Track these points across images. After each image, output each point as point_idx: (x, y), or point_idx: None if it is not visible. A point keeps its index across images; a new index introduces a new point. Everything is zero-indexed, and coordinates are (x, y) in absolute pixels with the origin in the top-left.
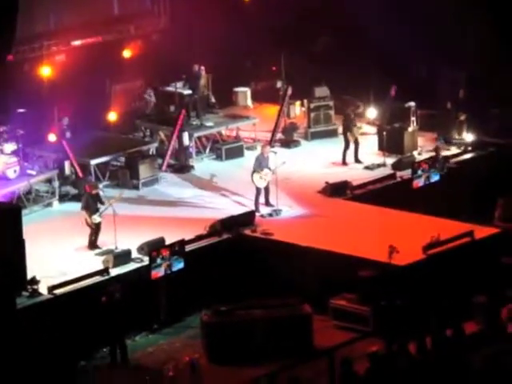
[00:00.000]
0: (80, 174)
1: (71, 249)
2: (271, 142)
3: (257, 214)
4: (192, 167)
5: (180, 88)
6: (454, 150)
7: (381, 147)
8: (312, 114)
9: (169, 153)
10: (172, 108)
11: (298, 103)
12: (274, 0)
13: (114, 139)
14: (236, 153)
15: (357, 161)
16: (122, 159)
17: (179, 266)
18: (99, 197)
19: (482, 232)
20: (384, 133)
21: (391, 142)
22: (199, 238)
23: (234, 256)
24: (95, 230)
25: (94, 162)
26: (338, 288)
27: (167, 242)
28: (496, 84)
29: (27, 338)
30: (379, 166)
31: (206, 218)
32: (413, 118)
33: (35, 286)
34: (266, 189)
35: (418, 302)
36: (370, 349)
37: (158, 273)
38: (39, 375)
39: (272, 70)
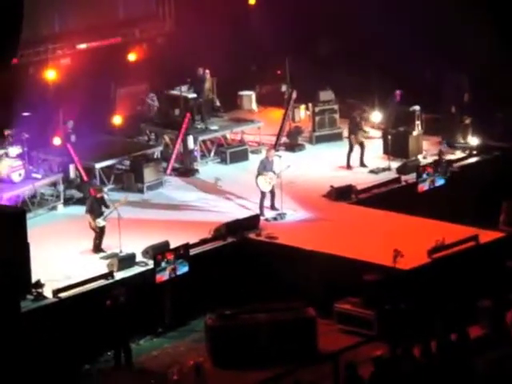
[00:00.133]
0: (85, 178)
1: (76, 252)
2: (276, 146)
3: (261, 218)
4: (197, 171)
5: (185, 91)
6: (458, 154)
7: (386, 151)
8: (317, 118)
9: (173, 156)
10: (177, 111)
11: (302, 107)
12: (278, 4)
13: (119, 143)
14: (241, 156)
15: (362, 165)
16: (127, 163)
17: (184, 269)
18: (104, 200)
19: (486, 236)
20: (389, 137)
21: (396, 146)
22: (204, 241)
23: (239, 260)
24: (99, 233)
25: (98, 165)
26: (343, 292)
27: (172, 246)
28: (500, 88)
29: (32, 342)
30: (384, 169)
31: (211, 222)
32: (418, 122)
33: (40, 290)
34: (272, 192)
35: (423, 306)
36: (374, 353)
37: (163, 276)
38: (44, 378)
39: (277, 73)
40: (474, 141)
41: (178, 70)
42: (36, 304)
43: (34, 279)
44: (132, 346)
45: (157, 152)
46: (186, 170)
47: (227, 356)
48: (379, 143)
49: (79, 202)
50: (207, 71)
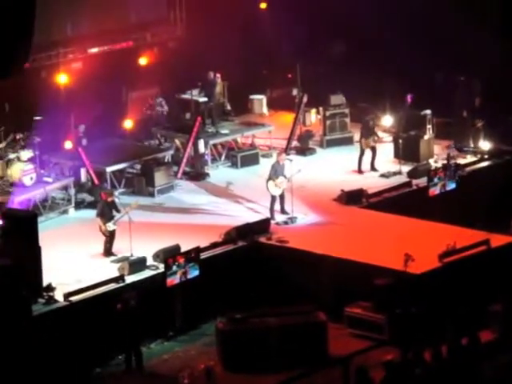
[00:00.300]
0: (96, 182)
1: (87, 256)
2: (287, 150)
3: (272, 222)
4: (207, 175)
5: (196, 95)
6: (469, 159)
7: (397, 155)
8: (328, 122)
9: (184, 160)
10: (188, 115)
11: (313, 111)
12: (289, 8)
13: (130, 147)
14: (251, 160)
15: (373, 169)
16: (138, 166)
17: (194, 273)
18: (115, 204)
19: (498, 240)
20: (400, 141)
21: (407, 150)
22: (214, 245)
23: (249, 263)
24: (109, 237)
25: (109, 169)
26: (354, 296)
27: (182, 250)
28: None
29: (43, 345)
30: (395, 173)
31: (222, 226)
32: (429, 126)
33: (51, 293)
34: (282, 196)
35: (434, 310)
36: (385, 357)
37: (174, 280)
38: (55, 382)
39: (288, 77)
40: (485, 145)
41: (189, 74)
42: (47, 307)
43: (45, 283)
44: (143, 350)
45: (168, 156)
46: (196, 174)
47: (238, 360)
48: (390, 147)
49: (90, 205)
50: (218, 75)
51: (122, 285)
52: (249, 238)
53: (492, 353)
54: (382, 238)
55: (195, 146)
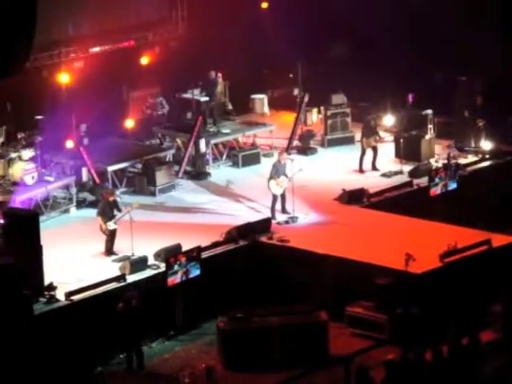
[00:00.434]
0: (97, 181)
1: (88, 255)
2: (288, 149)
3: (273, 221)
4: (208, 174)
5: (197, 95)
6: (470, 158)
7: (398, 155)
8: (329, 121)
9: (185, 159)
10: (189, 115)
11: (314, 110)
12: (290, 8)
13: (131, 146)
14: (252, 160)
15: (374, 168)
16: (139, 166)
17: (196, 272)
18: (117, 204)
19: (499, 240)
20: (401, 140)
21: (408, 150)
22: (215, 244)
23: (250, 263)
24: (110, 236)
25: (111, 168)
26: (355, 295)
27: (184, 249)
28: None
29: (44, 344)
30: (396, 173)
31: (223, 225)
32: (430, 126)
33: (52, 292)
34: (283, 196)
35: (435, 310)
36: (386, 357)
37: (175, 279)
38: (56, 381)
39: (289, 77)
40: (486, 145)
41: (191, 74)
42: (49, 307)
43: (46, 282)
44: (144, 349)
45: (169, 155)
46: (197, 174)
47: (239, 359)
48: (391, 147)
49: (92, 204)
50: (219, 74)
51: (123, 284)
52: (250, 237)
53: (493, 353)
54: (383, 238)
55: (196, 145)
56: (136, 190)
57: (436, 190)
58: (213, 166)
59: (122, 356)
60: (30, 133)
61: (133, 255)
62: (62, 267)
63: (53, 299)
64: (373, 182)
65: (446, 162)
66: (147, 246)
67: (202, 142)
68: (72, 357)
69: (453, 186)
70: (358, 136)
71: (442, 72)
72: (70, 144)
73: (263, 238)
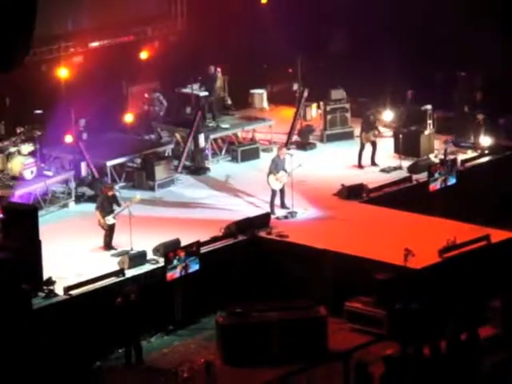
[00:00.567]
0: (96, 175)
1: (87, 250)
2: (287, 144)
3: (272, 216)
4: (208, 169)
5: (196, 90)
6: (470, 154)
7: (397, 150)
8: (328, 117)
9: (184, 154)
10: (188, 110)
11: (314, 105)
12: (290, 3)
13: (130, 141)
14: (252, 155)
15: (373, 163)
16: (138, 161)
17: (195, 267)
18: (116, 198)
19: (498, 236)
20: (400, 136)
21: (407, 145)
22: (214, 239)
23: (249, 258)
24: (109, 231)
25: (110, 163)
26: (354, 291)
27: (182, 244)
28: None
29: (43, 339)
30: (395, 168)
31: (222, 220)
32: (429, 121)
33: (51, 287)
34: (282, 191)
35: (434, 305)
36: (385, 352)
37: (174, 274)
38: (55, 375)
39: (288, 72)
40: (486, 140)
41: (190, 68)
42: (47, 301)
43: (45, 276)
44: (142, 344)
45: (168, 150)
46: (196, 168)
47: (238, 354)
48: (390, 142)
49: (90, 199)
50: (219, 69)
51: (122, 279)
52: (249, 232)
53: (492, 348)
54: (382, 233)
55: (195, 140)
56: (135, 184)
57: (435, 186)
58: (212, 160)
59: (120, 351)
60: (29, 127)
61: (132, 250)
62: (60, 262)
63: (51, 294)
64: (372, 177)
65: (442, 157)
66: (146, 241)
67: (201, 137)
68: (71, 351)
69: (452, 181)
70: (357, 131)
71: (441, 67)
72: (69, 139)
73: (262, 233)
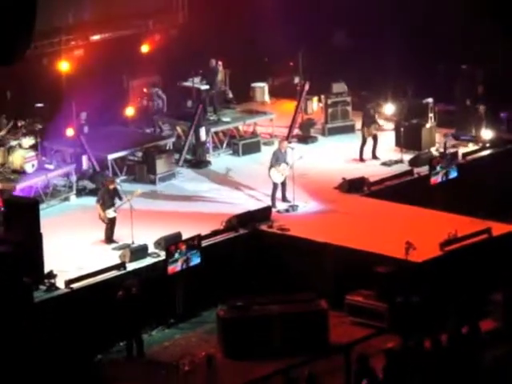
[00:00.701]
0: (97, 169)
1: (88, 243)
2: (288, 138)
3: (273, 210)
4: (209, 162)
5: (197, 83)
6: (471, 147)
7: (398, 143)
8: (329, 110)
9: (186, 148)
10: (189, 103)
11: (315, 99)
12: None
13: (132, 134)
14: (253, 148)
15: (374, 157)
16: (139, 154)
17: (196, 261)
18: (117, 192)
19: (499, 229)
20: (401, 129)
21: (409, 139)
22: (216, 233)
23: (250, 251)
24: (109, 224)
25: (111, 156)
26: (355, 284)
27: (184, 237)
28: None
29: (44, 332)
30: (396, 162)
31: (223, 214)
32: (431, 115)
33: (52, 280)
34: (284, 184)
35: (435, 298)
36: (386, 345)
37: (175, 268)
38: (56, 368)
39: (289, 65)
40: (487, 133)
41: (191, 62)
42: (48, 294)
43: (46, 270)
44: (144, 337)
45: (169, 143)
46: (198, 162)
47: (239, 347)
48: (392, 135)
49: (92, 192)
50: (220, 63)
51: (123, 272)
52: (250, 225)
53: (492, 342)
54: (384, 227)
55: (197, 133)
56: (136, 178)
57: (436, 179)
58: (213, 154)
59: (121, 344)
60: (30, 121)
61: (133, 243)
62: (61, 255)
63: (53, 287)
64: (373, 170)
65: (442, 151)
66: (147, 234)
67: (203, 131)
68: (72, 345)
69: (453, 174)
70: (358, 125)
71: (443, 61)
72: (70, 132)
73: (263, 227)
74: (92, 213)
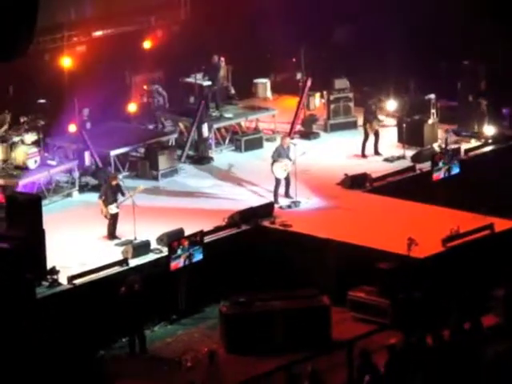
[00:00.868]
0: (100, 165)
1: (91, 239)
2: (290, 134)
3: (276, 206)
4: (211, 158)
5: (200, 79)
6: (473, 143)
7: (400, 139)
8: (331, 106)
9: (188, 144)
10: (191, 99)
11: (317, 95)
12: None
13: (134, 130)
14: (255, 144)
15: (376, 153)
16: (142, 150)
17: (198, 257)
18: (120, 188)
19: (501, 225)
20: (404, 125)
21: (411, 135)
22: (218, 229)
23: (253, 247)
24: (112, 220)
25: (113, 152)
26: (357, 280)
27: (186, 233)
28: None
29: (47, 328)
30: (399, 158)
31: (225, 210)
32: (433, 111)
33: (55, 276)
34: (287, 180)
35: (437, 294)
36: (388, 341)
37: (178, 264)
38: (59, 364)
39: (292, 61)
40: (489, 129)
41: (193, 58)
42: (51, 290)
43: (49, 266)
44: (146, 333)
45: (171, 140)
46: (200, 158)
47: (241, 343)
48: (394, 131)
49: (94, 188)
50: (222, 59)
51: (125, 268)
52: (252, 221)
53: (494, 337)
54: (386, 223)
55: (199, 129)
56: (138, 174)
57: (439, 175)
58: (215, 150)
59: (124, 340)
60: (32, 117)
61: (135, 239)
62: (64, 251)
63: (55, 283)
64: (375, 166)
65: (443, 146)
66: (150, 231)
67: (205, 127)
68: (74, 341)
69: (455, 170)
70: (360, 121)
71: (445, 57)
72: (72, 128)
73: (266, 223)
74: (94, 209)
